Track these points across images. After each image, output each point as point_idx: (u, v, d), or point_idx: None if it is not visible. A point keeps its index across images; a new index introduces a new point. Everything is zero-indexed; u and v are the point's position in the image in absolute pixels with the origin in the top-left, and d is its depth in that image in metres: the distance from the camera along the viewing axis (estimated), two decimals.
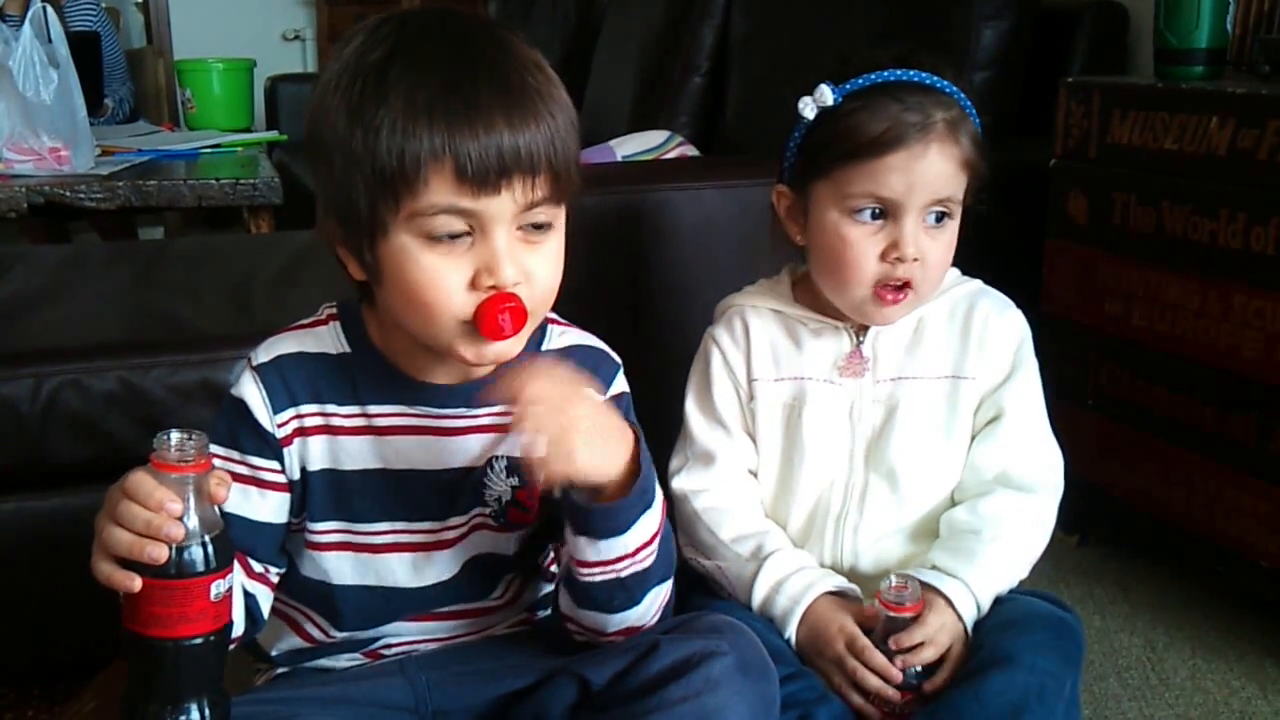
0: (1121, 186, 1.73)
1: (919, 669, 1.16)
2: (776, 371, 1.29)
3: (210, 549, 0.88)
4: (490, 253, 0.94)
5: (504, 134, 0.91)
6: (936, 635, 1.17)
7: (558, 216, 0.99)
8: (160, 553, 0.85)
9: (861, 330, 1.28)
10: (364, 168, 0.92)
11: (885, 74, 1.20)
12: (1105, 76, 1.95)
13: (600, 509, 0.97)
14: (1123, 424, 1.77)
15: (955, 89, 1.22)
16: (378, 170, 0.91)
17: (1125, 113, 1.72)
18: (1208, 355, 1.62)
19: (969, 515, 1.25)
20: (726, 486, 1.29)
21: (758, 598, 1.23)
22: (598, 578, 1.00)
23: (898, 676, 1.15)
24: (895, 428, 1.26)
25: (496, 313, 0.94)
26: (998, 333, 1.28)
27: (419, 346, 1.02)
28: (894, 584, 1.17)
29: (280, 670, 1.14)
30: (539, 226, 0.97)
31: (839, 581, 1.24)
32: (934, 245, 1.21)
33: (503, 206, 0.93)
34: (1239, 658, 1.63)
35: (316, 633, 1.11)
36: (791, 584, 1.23)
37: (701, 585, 1.30)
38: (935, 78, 1.21)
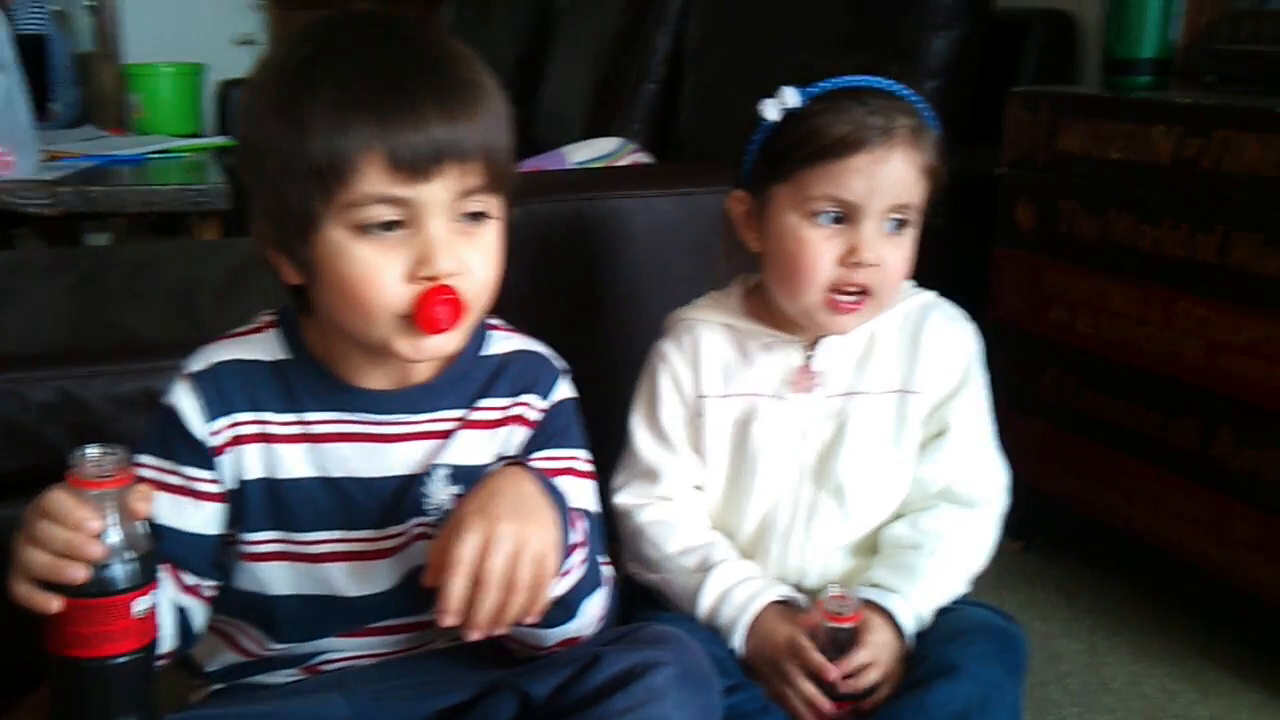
0: (1068, 195, 1.74)
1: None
2: (726, 388, 1.28)
3: (132, 566, 0.86)
4: (425, 243, 0.93)
5: (436, 120, 0.91)
6: (879, 655, 1.16)
7: (494, 207, 0.98)
8: (79, 573, 0.84)
9: (812, 344, 1.27)
10: (296, 162, 0.91)
11: (850, 79, 1.20)
12: (1053, 86, 1.97)
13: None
14: (1068, 430, 1.79)
15: (918, 98, 1.22)
16: (309, 162, 0.90)
17: (1073, 122, 1.73)
18: (1151, 362, 1.63)
19: (909, 530, 1.25)
20: (670, 502, 1.29)
21: (704, 608, 1.23)
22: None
23: (831, 674, 1.15)
24: (844, 444, 1.25)
25: (433, 305, 0.93)
26: (947, 346, 1.28)
27: (357, 350, 1.01)
28: (834, 594, 1.17)
29: (216, 687, 1.12)
30: (475, 217, 0.96)
31: (785, 591, 1.24)
32: (893, 252, 1.20)
33: (436, 195, 0.92)
34: (1178, 662, 1.64)
35: (253, 646, 1.09)
36: (737, 594, 1.22)
37: (647, 598, 1.29)
38: (899, 86, 1.21)
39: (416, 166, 0.91)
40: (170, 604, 1.01)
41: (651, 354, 1.33)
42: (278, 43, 0.98)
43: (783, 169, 1.21)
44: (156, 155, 3.01)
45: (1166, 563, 1.66)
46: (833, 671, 1.15)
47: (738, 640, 1.21)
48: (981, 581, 1.27)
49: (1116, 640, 1.70)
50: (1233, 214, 1.50)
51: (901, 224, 1.21)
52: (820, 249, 1.19)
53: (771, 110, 1.21)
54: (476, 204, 0.96)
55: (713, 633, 1.22)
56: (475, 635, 0.90)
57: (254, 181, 0.96)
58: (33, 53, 3.36)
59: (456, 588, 0.88)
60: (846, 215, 1.19)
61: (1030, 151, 1.81)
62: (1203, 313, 1.55)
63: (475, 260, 0.96)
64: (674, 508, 1.29)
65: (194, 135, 3.58)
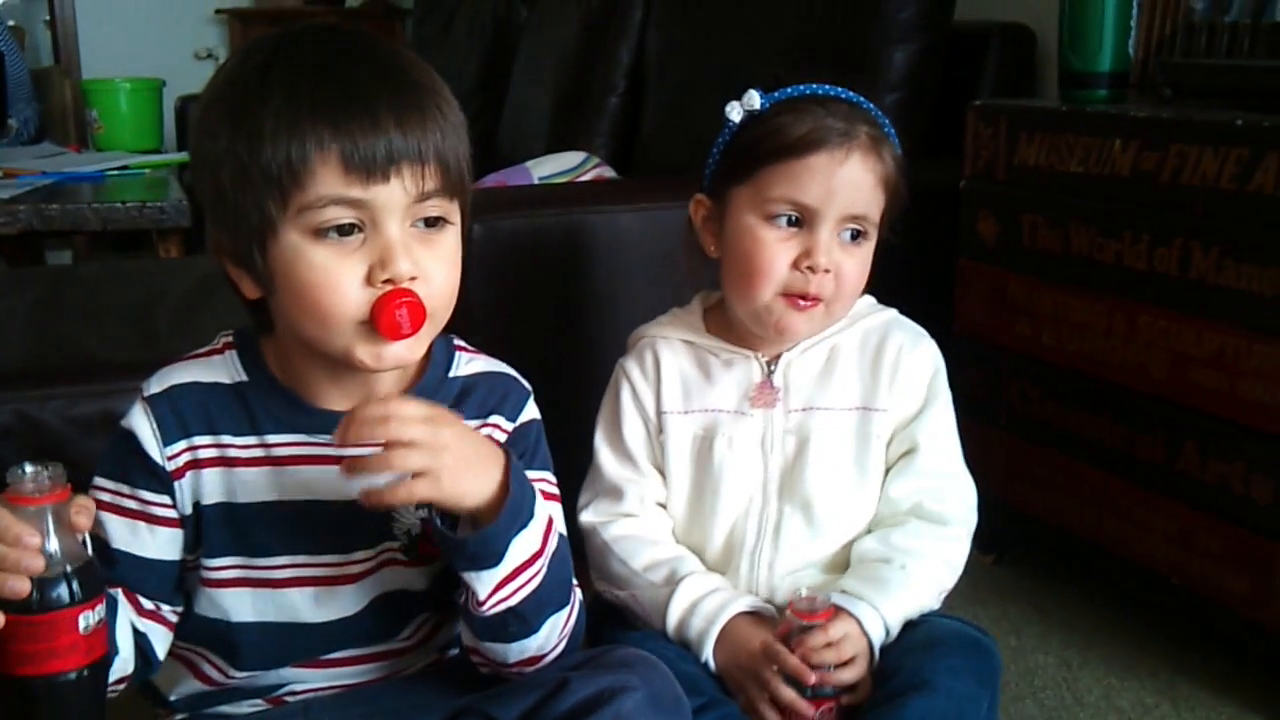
0: (1029, 208, 1.75)
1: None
2: (686, 404, 1.28)
3: (75, 580, 0.85)
4: (384, 245, 0.92)
5: (390, 122, 0.91)
6: (842, 643, 1.15)
7: (452, 213, 0.98)
8: (21, 586, 0.83)
9: (773, 360, 1.28)
10: (250, 170, 0.90)
11: (815, 86, 1.22)
12: (1012, 100, 1.98)
13: (473, 538, 0.94)
14: (1034, 443, 1.79)
15: (881, 114, 1.23)
16: (264, 169, 0.90)
17: (1032, 135, 1.74)
18: (1116, 375, 1.64)
19: (880, 544, 1.25)
20: (635, 519, 1.28)
21: (672, 622, 1.22)
22: (490, 611, 0.97)
23: (810, 677, 1.14)
24: (809, 459, 1.25)
25: (393, 308, 0.92)
26: (910, 366, 1.28)
27: (319, 369, 1.00)
28: (804, 594, 1.17)
29: (180, 717, 1.10)
30: (432, 223, 0.96)
31: (754, 601, 1.23)
32: (849, 261, 1.21)
33: (393, 196, 0.92)
34: (1151, 675, 1.65)
35: (215, 674, 1.07)
36: (706, 605, 1.21)
37: (615, 617, 1.28)
38: (866, 100, 1.23)
39: (371, 167, 0.90)
40: (128, 628, 1.00)
41: (615, 372, 1.33)
42: (227, 62, 0.98)
43: (742, 169, 1.22)
44: (116, 172, 2.98)
45: (1138, 576, 1.66)
46: (810, 675, 1.14)
47: (708, 652, 1.20)
48: (953, 595, 1.27)
49: (1090, 654, 1.70)
50: (1192, 226, 1.51)
51: (858, 235, 1.21)
52: (775, 250, 1.20)
53: (735, 111, 1.23)
54: (433, 209, 0.96)
55: (683, 647, 1.21)
56: (351, 478, 0.91)
57: (209, 194, 0.95)
58: None
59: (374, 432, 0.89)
60: (803, 219, 1.20)
61: (990, 165, 1.81)
62: (1165, 325, 1.56)
63: (434, 266, 0.95)
64: (640, 523, 1.28)
65: (154, 151, 3.54)
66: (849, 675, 1.16)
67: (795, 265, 1.19)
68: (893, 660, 1.18)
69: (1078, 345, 1.69)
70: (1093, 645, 1.72)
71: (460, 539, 0.94)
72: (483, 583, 0.96)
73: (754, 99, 1.22)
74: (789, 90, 1.22)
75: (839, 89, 1.22)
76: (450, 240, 0.98)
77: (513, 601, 0.97)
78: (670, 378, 1.29)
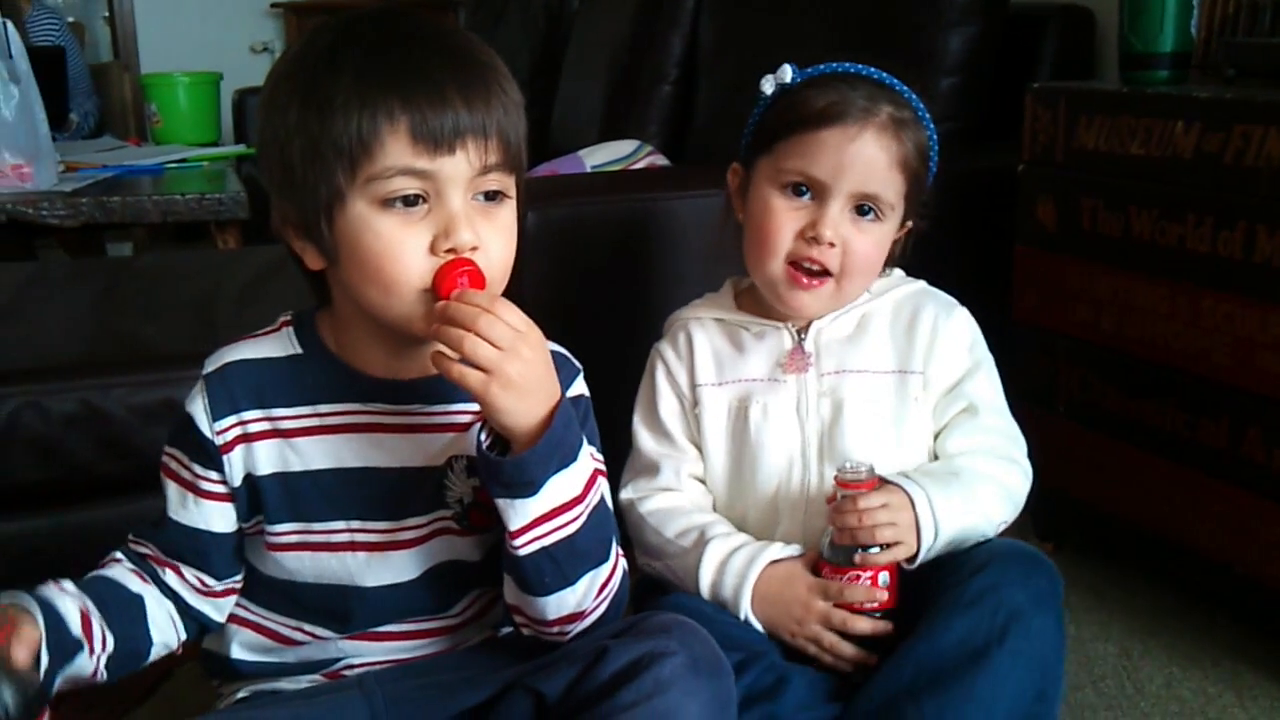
0: (1089, 192, 1.73)
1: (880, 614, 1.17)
2: (720, 376, 1.31)
3: (16, 713, 0.87)
4: (447, 216, 0.96)
5: (456, 97, 0.95)
6: (884, 509, 1.16)
7: (509, 187, 1.01)
8: None
9: (804, 329, 1.29)
10: (320, 141, 0.94)
11: (848, 65, 1.24)
12: (1071, 82, 1.95)
13: (509, 462, 0.96)
14: (1094, 430, 1.77)
15: (916, 99, 1.24)
16: (334, 140, 0.94)
17: (1091, 118, 1.71)
18: (1178, 360, 1.62)
19: (944, 463, 1.25)
20: (671, 491, 1.30)
21: (705, 584, 1.22)
22: (524, 549, 0.98)
23: (866, 627, 1.16)
24: (845, 421, 1.26)
25: (455, 275, 0.96)
26: (949, 332, 1.29)
27: (375, 340, 1.03)
28: (850, 465, 1.18)
29: (241, 695, 1.12)
30: (492, 196, 0.99)
31: (781, 548, 1.23)
32: (859, 238, 1.22)
33: (458, 168, 0.96)
34: (1214, 665, 1.62)
35: (288, 632, 1.11)
36: (735, 562, 1.22)
37: (656, 589, 1.29)
38: (898, 82, 1.24)
39: (439, 139, 0.94)
40: (161, 612, 1.06)
41: (650, 356, 1.36)
42: (297, 42, 1.02)
43: (766, 140, 1.26)
44: (175, 165, 3.02)
45: (1199, 564, 1.64)
46: (864, 625, 1.16)
47: (745, 608, 1.20)
48: None
49: (1150, 643, 1.68)
50: (1256, 209, 1.48)
51: (869, 212, 1.23)
52: (784, 218, 1.23)
53: (768, 84, 1.27)
54: (494, 182, 0.99)
55: (721, 608, 1.21)
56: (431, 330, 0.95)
57: (277, 170, 0.98)
58: (50, 64, 3.38)
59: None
60: (814, 192, 1.22)
61: (1049, 148, 1.79)
62: (1229, 309, 1.53)
63: (493, 238, 0.99)
64: (676, 496, 1.30)
65: (211, 144, 3.60)
66: (888, 534, 1.15)
67: (801, 235, 1.22)
68: (941, 574, 1.17)
69: (1139, 331, 1.67)
70: (1154, 634, 1.70)
71: (497, 460, 0.97)
72: (516, 513, 0.98)
73: (785, 73, 1.26)
74: (821, 67, 1.25)
75: (872, 70, 1.24)
76: (508, 214, 1.02)
77: (547, 542, 0.98)
78: (703, 352, 1.31)
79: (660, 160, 2.47)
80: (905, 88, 1.25)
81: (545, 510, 0.98)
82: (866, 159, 1.20)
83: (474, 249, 0.96)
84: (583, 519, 1.00)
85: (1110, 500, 1.76)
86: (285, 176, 0.97)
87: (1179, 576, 1.77)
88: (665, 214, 1.81)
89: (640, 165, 2.41)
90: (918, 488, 1.19)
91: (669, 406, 1.32)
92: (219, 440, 1.04)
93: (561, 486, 0.98)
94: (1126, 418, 1.70)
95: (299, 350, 1.07)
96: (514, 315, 0.95)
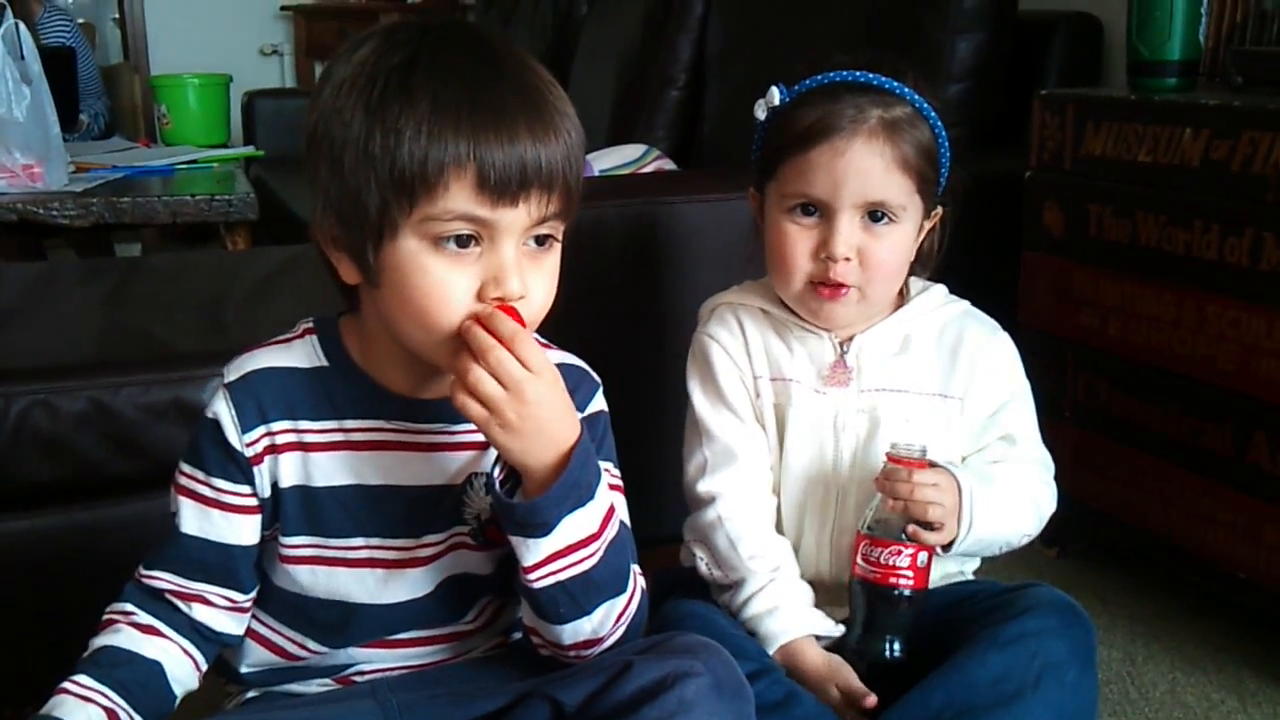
0: (1096, 198, 1.73)
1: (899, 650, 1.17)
2: (771, 370, 1.29)
3: None
4: (499, 264, 0.94)
5: (527, 146, 0.92)
6: (942, 493, 1.17)
7: (559, 231, 0.99)
8: None
9: (846, 341, 1.28)
10: (381, 168, 0.91)
11: (833, 75, 1.22)
12: (1079, 89, 1.96)
13: (521, 505, 0.96)
14: (1100, 435, 1.77)
15: (910, 92, 1.22)
16: (397, 171, 0.91)
17: (1099, 125, 1.72)
18: (1184, 366, 1.62)
19: (981, 464, 1.27)
20: (749, 494, 1.27)
21: (744, 615, 1.23)
22: (539, 584, 0.98)
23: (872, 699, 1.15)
24: (880, 439, 1.25)
25: None
26: (991, 357, 1.29)
27: (401, 359, 1.01)
28: (904, 443, 1.18)
29: (250, 695, 1.12)
30: (542, 241, 0.97)
31: (824, 623, 1.23)
32: (875, 245, 1.21)
33: (517, 219, 0.93)
34: (1218, 670, 1.63)
35: (290, 647, 1.10)
36: (780, 616, 1.22)
37: (675, 589, 1.29)
38: (887, 80, 1.21)
39: (504, 190, 0.91)
40: (181, 659, 1.04)
41: (696, 341, 1.33)
42: (360, 43, 0.97)
43: (768, 166, 1.25)
44: (184, 166, 3.03)
45: (1204, 569, 1.64)
46: (871, 697, 1.15)
47: (770, 652, 1.21)
48: None
49: (1155, 648, 1.68)
50: (1263, 216, 1.49)
51: (882, 217, 1.22)
52: (796, 242, 1.23)
53: (760, 110, 1.26)
54: (547, 228, 0.97)
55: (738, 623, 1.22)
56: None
57: (326, 173, 0.95)
58: (60, 65, 3.39)
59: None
60: (820, 210, 1.22)
61: (1057, 154, 1.80)
62: (1235, 315, 1.53)
63: (538, 285, 0.97)
64: (752, 504, 1.27)
65: (221, 145, 3.61)
66: (937, 513, 1.16)
67: (814, 255, 1.22)
68: (979, 612, 1.17)
69: (1145, 337, 1.67)
70: (1158, 639, 1.70)
71: (509, 503, 0.96)
72: (530, 550, 0.97)
73: (774, 96, 1.25)
74: (808, 82, 1.23)
75: (859, 74, 1.21)
76: (555, 258, 1.00)
77: (562, 577, 0.98)
78: (755, 341, 1.30)
79: (668, 164, 2.47)
80: (897, 84, 1.21)
81: (560, 548, 0.97)
82: (861, 169, 1.18)
83: (520, 298, 0.95)
84: (599, 555, 0.99)
85: (1115, 505, 1.76)
86: (334, 183, 0.94)
87: (1183, 581, 1.77)
88: (673, 218, 1.81)
89: (648, 169, 2.42)
90: (965, 474, 1.19)
91: (732, 385, 1.29)
92: (249, 452, 1.02)
93: (577, 525, 0.97)
94: (1132, 423, 1.71)
95: (324, 363, 1.04)
96: (531, 353, 0.93)
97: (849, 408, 1.27)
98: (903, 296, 1.30)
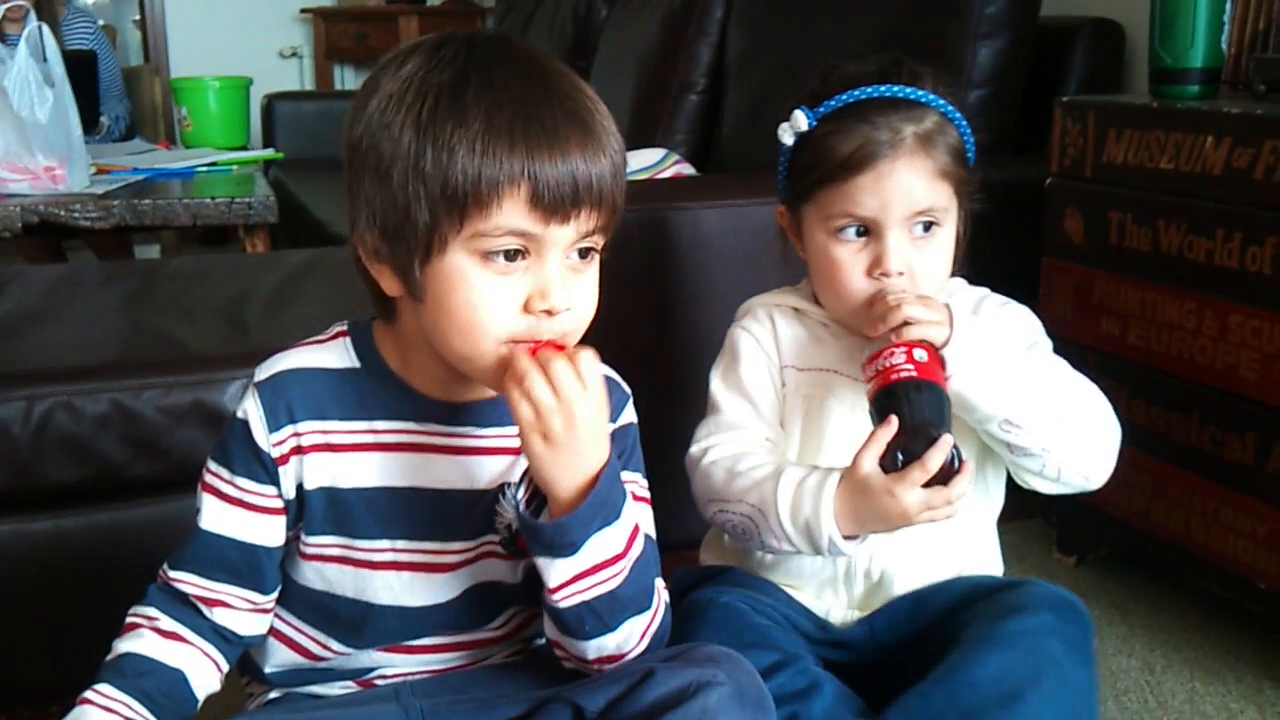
0: (1117, 206, 1.73)
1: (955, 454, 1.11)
2: (803, 361, 1.29)
3: None
4: (545, 277, 0.95)
5: (578, 163, 0.93)
6: (928, 302, 1.15)
7: (600, 244, 1.00)
8: None
9: None
10: (432, 184, 0.92)
11: (857, 93, 1.21)
12: (1100, 95, 1.95)
13: (548, 526, 0.96)
14: (1121, 444, 1.76)
15: (934, 98, 1.21)
16: (448, 188, 0.91)
17: (1120, 132, 1.71)
18: (1205, 375, 1.61)
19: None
20: (742, 443, 1.26)
21: (784, 506, 1.16)
22: (564, 603, 0.98)
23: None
24: None
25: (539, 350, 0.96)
26: (1012, 313, 1.30)
27: (438, 366, 1.01)
28: None
29: (272, 695, 1.13)
30: (585, 254, 0.98)
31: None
32: (923, 257, 1.21)
33: (565, 234, 0.95)
34: (1237, 680, 1.62)
35: (312, 646, 1.10)
36: (810, 482, 1.16)
37: (698, 584, 1.28)
38: (911, 90, 1.21)
39: (556, 207, 0.93)
40: (208, 670, 1.05)
41: (730, 336, 1.33)
42: (405, 57, 0.97)
43: (803, 190, 1.24)
44: (204, 168, 3.05)
45: (1224, 579, 1.63)
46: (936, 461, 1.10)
47: (827, 527, 1.14)
48: None
49: (1174, 658, 1.68)
50: None
51: (929, 225, 1.21)
52: (850, 265, 1.21)
53: (786, 135, 1.24)
54: (591, 241, 0.98)
55: (806, 537, 1.16)
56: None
57: (370, 186, 0.96)
58: (81, 68, 3.41)
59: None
60: (868, 229, 1.21)
61: (1078, 161, 1.79)
62: (1257, 324, 1.53)
63: (581, 297, 0.98)
64: (745, 443, 1.26)
65: (241, 148, 3.62)
66: (918, 311, 1.14)
67: (869, 273, 1.21)
68: (976, 611, 1.16)
69: (1165, 345, 1.67)
70: (1177, 649, 1.70)
71: (536, 523, 0.96)
72: (555, 570, 0.97)
73: (800, 121, 1.22)
74: (830, 104, 1.21)
75: (881, 88, 1.20)
76: (595, 270, 1.01)
77: (587, 596, 0.98)
78: (785, 335, 1.30)
79: (687, 169, 2.48)
80: (919, 93, 1.20)
81: (586, 568, 0.97)
82: (905, 187, 1.18)
83: (567, 309, 0.96)
84: (625, 573, 0.99)
85: (1134, 514, 1.75)
86: (379, 197, 0.95)
87: (1203, 591, 1.76)
88: (692, 222, 1.81)
89: (667, 174, 2.42)
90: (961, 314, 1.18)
91: (756, 375, 1.29)
92: (275, 452, 1.03)
93: (603, 544, 0.97)
94: (1152, 432, 1.70)
95: (357, 364, 1.05)
96: (589, 368, 0.95)
97: None
98: None
